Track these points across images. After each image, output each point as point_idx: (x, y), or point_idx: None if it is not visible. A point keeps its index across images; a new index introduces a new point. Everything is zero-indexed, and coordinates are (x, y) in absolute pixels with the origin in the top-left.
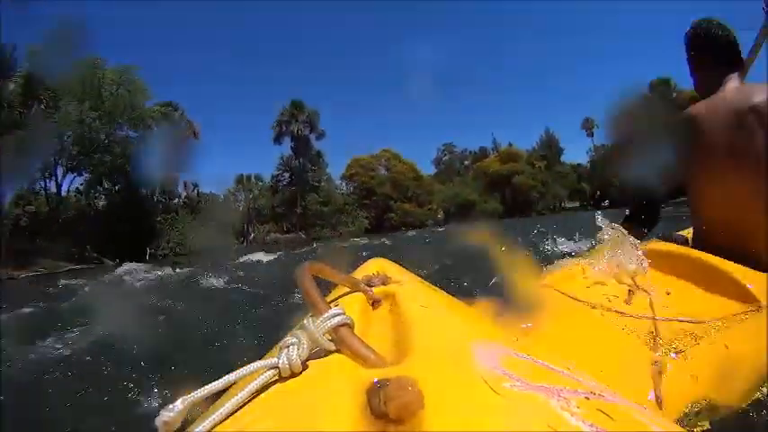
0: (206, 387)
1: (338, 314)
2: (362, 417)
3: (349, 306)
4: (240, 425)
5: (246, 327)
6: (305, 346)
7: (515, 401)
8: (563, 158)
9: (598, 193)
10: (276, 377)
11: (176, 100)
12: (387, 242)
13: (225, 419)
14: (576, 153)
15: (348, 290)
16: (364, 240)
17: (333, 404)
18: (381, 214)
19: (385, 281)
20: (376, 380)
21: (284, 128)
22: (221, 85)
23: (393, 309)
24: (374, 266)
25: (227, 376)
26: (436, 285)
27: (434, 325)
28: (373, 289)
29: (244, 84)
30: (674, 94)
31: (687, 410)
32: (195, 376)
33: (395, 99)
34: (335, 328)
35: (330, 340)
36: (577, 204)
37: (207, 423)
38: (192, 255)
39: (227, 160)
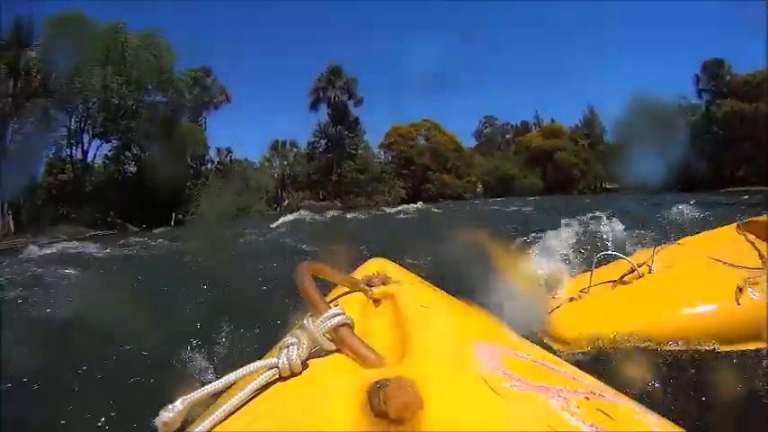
0: (206, 387)
1: (338, 314)
2: (362, 417)
3: (349, 306)
4: (240, 425)
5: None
6: (305, 346)
7: (515, 401)
8: (607, 138)
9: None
10: (276, 377)
11: (210, 65)
12: (435, 209)
13: (225, 419)
14: None
15: (348, 290)
16: (413, 206)
17: (333, 404)
18: (419, 185)
19: (385, 281)
20: (376, 380)
21: (321, 94)
22: (257, 45)
23: (393, 309)
24: (374, 266)
25: (227, 376)
26: (436, 285)
27: (434, 325)
28: (373, 289)
29: (280, 46)
30: (728, 77)
31: None
32: (195, 376)
33: (436, 66)
34: (335, 328)
35: (330, 340)
36: (618, 186)
37: (207, 423)
38: (221, 220)
39: (262, 127)
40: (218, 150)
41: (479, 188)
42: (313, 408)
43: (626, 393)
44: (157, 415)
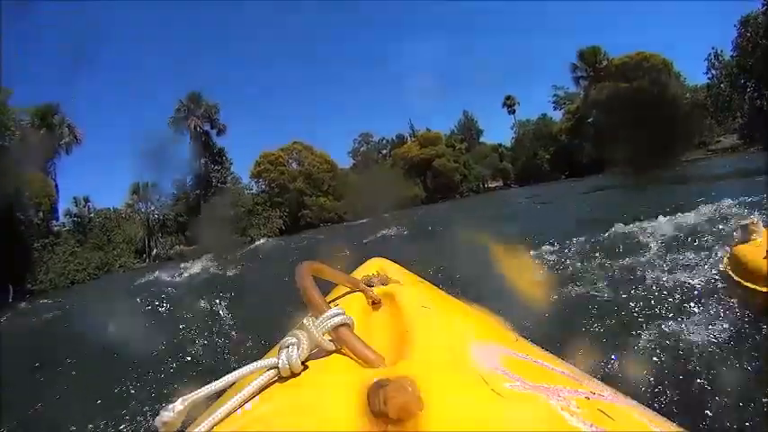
0: (206, 387)
1: (338, 314)
2: (362, 417)
3: (349, 306)
4: (240, 425)
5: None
6: (304, 346)
7: (515, 401)
8: (482, 139)
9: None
10: (276, 377)
11: (58, 101)
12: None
13: (224, 419)
14: (496, 133)
15: (348, 290)
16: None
17: (332, 404)
18: (296, 211)
19: (385, 281)
20: (376, 380)
21: (182, 125)
22: (111, 77)
23: (393, 309)
24: (374, 266)
25: (226, 376)
26: (436, 285)
27: (434, 325)
28: (373, 289)
29: (135, 77)
30: (605, 62)
31: None
32: (195, 376)
33: (304, 88)
34: (335, 328)
35: (330, 340)
36: (501, 183)
37: (207, 423)
38: (78, 286)
39: (124, 169)
40: (75, 200)
41: (360, 207)
42: (313, 408)
43: (626, 393)
44: (157, 415)
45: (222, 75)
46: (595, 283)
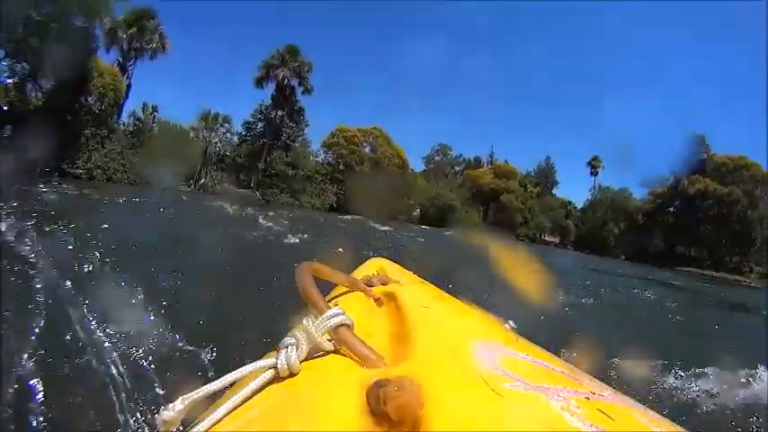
0: (205, 387)
1: (338, 314)
2: (362, 417)
3: (349, 306)
4: (238, 424)
5: None
6: (303, 347)
7: (515, 401)
8: (555, 191)
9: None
10: (275, 377)
11: (156, 8)
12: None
13: (223, 419)
14: (571, 188)
15: (348, 290)
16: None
17: (332, 404)
18: (353, 195)
19: (385, 281)
20: (376, 380)
21: (271, 72)
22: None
23: (393, 309)
24: (374, 266)
25: (226, 376)
26: (436, 285)
27: (434, 325)
28: (373, 289)
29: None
30: (705, 156)
31: None
32: (195, 376)
33: (399, 82)
34: (335, 329)
35: (330, 340)
36: (557, 240)
37: (206, 422)
38: (113, 185)
39: (201, 92)
40: (144, 105)
41: (416, 212)
42: (312, 408)
43: (626, 393)
44: (158, 414)
45: (328, 43)
46: (595, 286)
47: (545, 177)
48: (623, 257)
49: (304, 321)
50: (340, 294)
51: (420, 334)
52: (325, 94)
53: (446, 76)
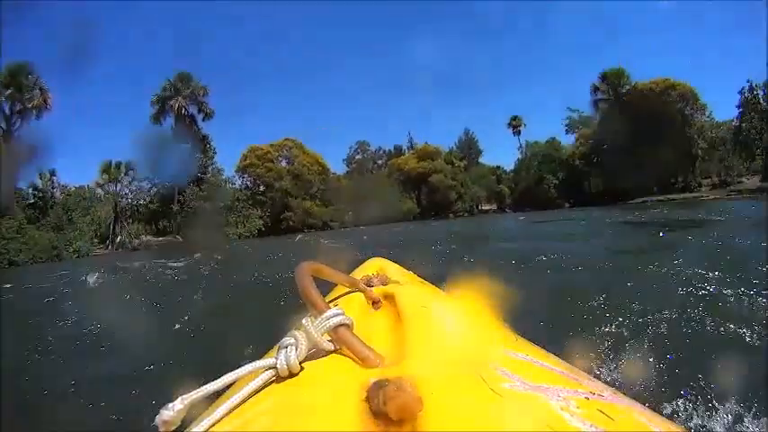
0: (205, 387)
1: (337, 314)
2: (362, 417)
3: (348, 306)
4: (238, 424)
5: None
6: (303, 347)
7: (515, 401)
8: (482, 160)
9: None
10: (274, 377)
11: (33, 61)
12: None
13: (223, 419)
14: (497, 155)
15: (348, 290)
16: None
17: (331, 404)
18: (279, 213)
19: (384, 281)
20: (375, 380)
21: (166, 105)
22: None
23: (393, 309)
24: (374, 266)
25: (225, 376)
26: (436, 285)
27: (434, 325)
28: (373, 289)
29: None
30: (627, 87)
31: None
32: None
33: (306, 86)
34: (335, 328)
35: (329, 340)
36: (495, 207)
37: (205, 422)
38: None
39: (96, 147)
40: (40, 174)
41: (349, 215)
42: (312, 408)
43: (626, 393)
44: (158, 414)
45: (217, 62)
46: (595, 285)
47: (469, 149)
48: (567, 205)
49: (304, 321)
50: (340, 294)
51: (420, 334)
52: (230, 116)
53: (340, 73)
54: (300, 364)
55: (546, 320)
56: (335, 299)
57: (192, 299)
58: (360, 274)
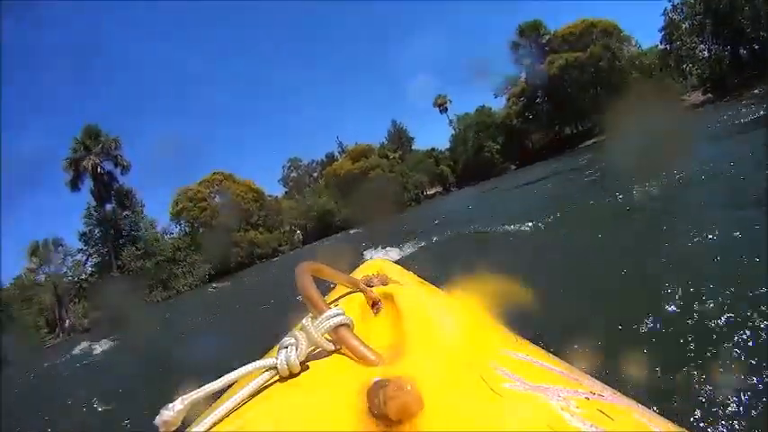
0: (205, 387)
1: (338, 314)
2: (362, 417)
3: (349, 306)
4: (238, 424)
5: None
6: (303, 347)
7: (515, 401)
8: (415, 147)
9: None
10: (274, 377)
11: None
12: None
13: (223, 419)
14: (429, 138)
15: (348, 290)
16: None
17: (331, 404)
18: (226, 252)
19: (385, 281)
20: (375, 380)
21: (80, 167)
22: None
23: (393, 309)
24: (374, 267)
25: (226, 376)
26: (436, 285)
27: (434, 325)
28: (373, 289)
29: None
30: (548, 37)
31: None
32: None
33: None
34: (335, 329)
35: (330, 340)
36: (440, 189)
37: (206, 422)
38: None
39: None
40: None
41: (298, 236)
42: (312, 408)
43: (626, 393)
44: (157, 414)
45: (122, 105)
46: (596, 283)
47: (399, 139)
48: (513, 167)
49: (304, 321)
50: (340, 295)
51: (420, 334)
52: (147, 161)
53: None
54: (301, 364)
55: (548, 320)
56: (335, 299)
57: None
58: (360, 274)
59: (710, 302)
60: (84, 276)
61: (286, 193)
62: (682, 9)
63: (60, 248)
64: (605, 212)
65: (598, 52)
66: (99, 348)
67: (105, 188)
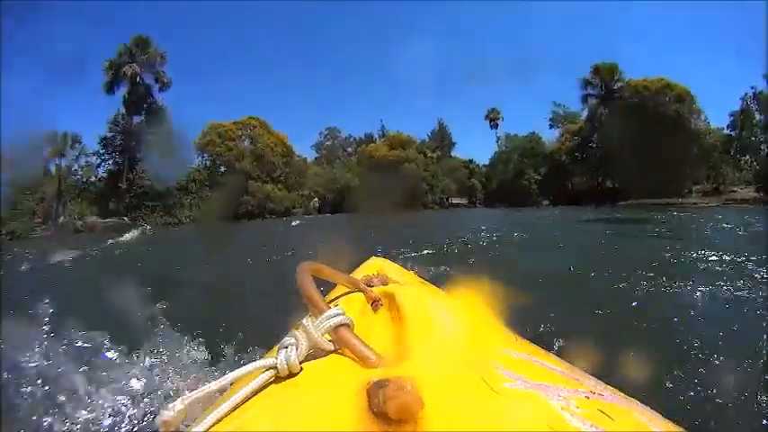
0: (205, 386)
1: (338, 314)
2: (362, 417)
3: (349, 306)
4: (238, 424)
5: None
6: (303, 347)
7: (515, 401)
8: (455, 153)
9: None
10: (274, 377)
11: None
12: None
13: (223, 419)
14: (470, 149)
15: (348, 290)
16: None
17: (331, 404)
18: (238, 197)
19: (385, 281)
20: (376, 380)
21: (120, 72)
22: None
23: (393, 309)
24: (374, 266)
25: (226, 376)
26: (436, 285)
27: (434, 325)
28: (373, 289)
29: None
30: (620, 84)
31: None
32: (195, 376)
33: (273, 64)
34: (335, 328)
35: (329, 340)
36: (465, 201)
37: (206, 422)
38: None
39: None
40: None
41: (314, 203)
42: (312, 408)
43: (626, 393)
44: (158, 414)
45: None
46: (596, 284)
47: (441, 141)
48: (546, 203)
49: (304, 321)
50: (340, 294)
51: (420, 334)
52: (191, 89)
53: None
54: (301, 364)
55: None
56: (336, 299)
57: None
58: (360, 274)
59: (711, 302)
60: (92, 179)
61: (316, 158)
62: (758, 101)
63: (77, 146)
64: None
65: (668, 114)
66: (70, 256)
67: (140, 100)
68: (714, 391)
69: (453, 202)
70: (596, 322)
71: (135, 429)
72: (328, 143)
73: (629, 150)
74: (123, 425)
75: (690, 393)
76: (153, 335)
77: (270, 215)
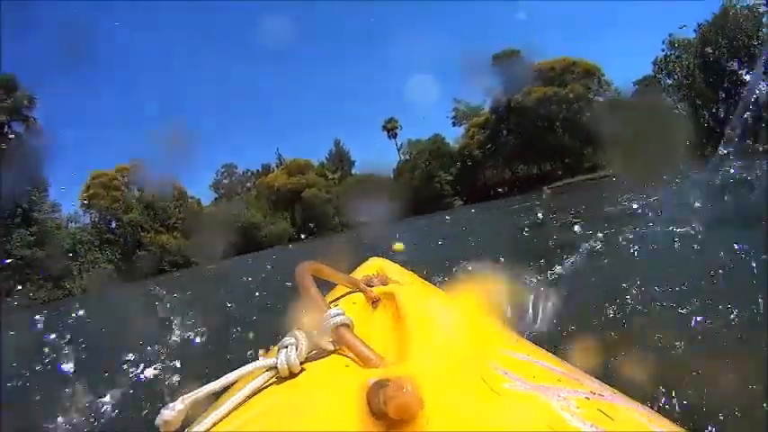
0: (205, 387)
1: (338, 314)
2: (362, 417)
3: (349, 306)
4: (238, 424)
5: None
6: (303, 347)
7: (515, 401)
8: (354, 171)
9: None
10: (274, 377)
11: None
12: None
13: (223, 419)
14: (372, 163)
15: (348, 290)
16: None
17: (331, 404)
18: (132, 253)
19: (385, 281)
20: (376, 380)
21: None
22: None
23: (393, 309)
24: (374, 266)
25: (226, 376)
26: (436, 285)
27: (434, 325)
28: (373, 289)
29: None
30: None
31: None
32: (195, 376)
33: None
34: (335, 328)
35: (329, 340)
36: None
37: (206, 422)
38: None
39: None
40: None
41: (216, 248)
42: (312, 408)
43: (626, 393)
44: (158, 414)
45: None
46: (595, 284)
47: (340, 161)
48: (461, 203)
49: (304, 321)
50: (340, 294)
51: (420, 334)
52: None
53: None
54: (301, 364)
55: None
56: (336, 299)
57: None
58: (360, 274)
59: (711, 303)
60: None
61: (216, 199)
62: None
63: None
64: None
65: (580, 91)
66: None
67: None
68: (714, 392)
69: (363, 220)
70: (596, 322)
71: (135, 430)
72: (225, 181)
73: (539, 134)
74: (123, 425)
75: (690, 393)
76: None
77: (171, 268)
